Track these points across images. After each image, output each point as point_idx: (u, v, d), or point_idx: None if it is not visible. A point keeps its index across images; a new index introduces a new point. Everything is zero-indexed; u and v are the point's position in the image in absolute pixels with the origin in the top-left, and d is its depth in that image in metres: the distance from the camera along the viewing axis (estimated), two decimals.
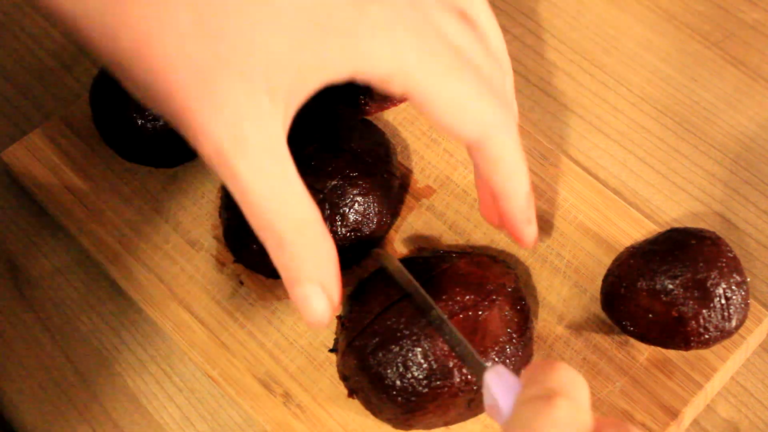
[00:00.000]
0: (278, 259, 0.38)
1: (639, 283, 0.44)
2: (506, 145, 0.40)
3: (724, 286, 0.43)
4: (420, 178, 0.53)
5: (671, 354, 0.46)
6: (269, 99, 0.35)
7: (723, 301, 0.43)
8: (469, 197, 0.52)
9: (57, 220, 0.53)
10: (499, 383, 0.34)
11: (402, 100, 0.53)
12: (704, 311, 0.43)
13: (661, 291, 0.44)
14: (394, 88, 0.37)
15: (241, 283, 0.50)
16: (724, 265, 0.44)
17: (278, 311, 0.49)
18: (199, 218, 0.52)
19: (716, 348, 0.46)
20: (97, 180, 0.53)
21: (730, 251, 0.45)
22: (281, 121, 0.36)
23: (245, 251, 0.49)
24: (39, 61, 0.61)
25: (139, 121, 0.51)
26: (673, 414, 0.45)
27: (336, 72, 0.36)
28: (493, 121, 0.39)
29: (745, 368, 0.48)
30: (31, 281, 0.52)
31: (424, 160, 0.53)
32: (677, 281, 0.43)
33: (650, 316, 0.44)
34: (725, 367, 0.46)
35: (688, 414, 0.46)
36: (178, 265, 0.50)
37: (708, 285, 0.43)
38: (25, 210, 0.55)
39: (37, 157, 0.54)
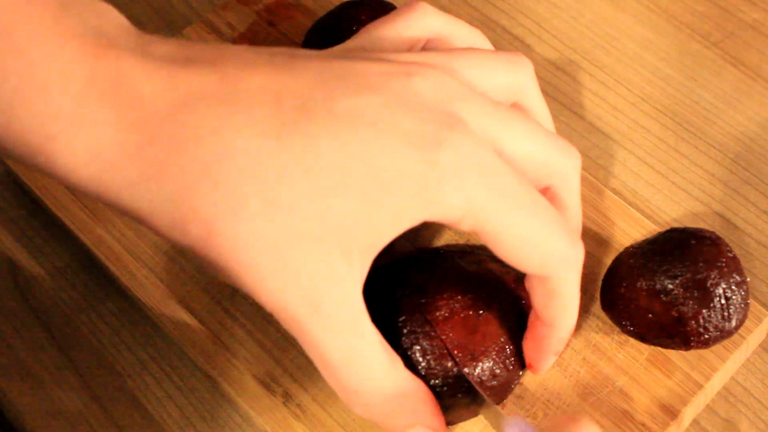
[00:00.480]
0: (371, 417, 0.38)
1: (639, 283, 0.44)
2: (569, 282, 0.40)
3: (724, 286, 0.43)
4: None
5: (671, 354, 0.46)
6: (344, 261, 0.35)
7: (723, 301, 0.43)
8: None
9: (57, 220, 0.53)
10: None
11: None
12: (704, 311, 0.43)
13: (661, 291, 0.44)
14: (463, 226, 0.37)
15: None
16: (724, 265, 0.44)
17: None
18: None
19: (716, 348, 0.46)
20: None
21: (730, 251, 0.45)
22: (357, 280, 0.36)
23: None
24: None
25: None
26: (673, 414, 0.45)
27: (409, 222, 0.36)
28: (562, 260, 0.39)
29: (745, 368, 0.48)
30: (31, 281, 0.52)
31: None
32: (677, 281, 0.44)
33: (650, 316, 0.44)
34: (725, 367, 0.46)
35: (688, 414, 0.46)
36: (178, 265, 0.50)
37: (708, 285, 0.43)
38: (25, 210, 0.55)
39: None
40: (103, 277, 0.52)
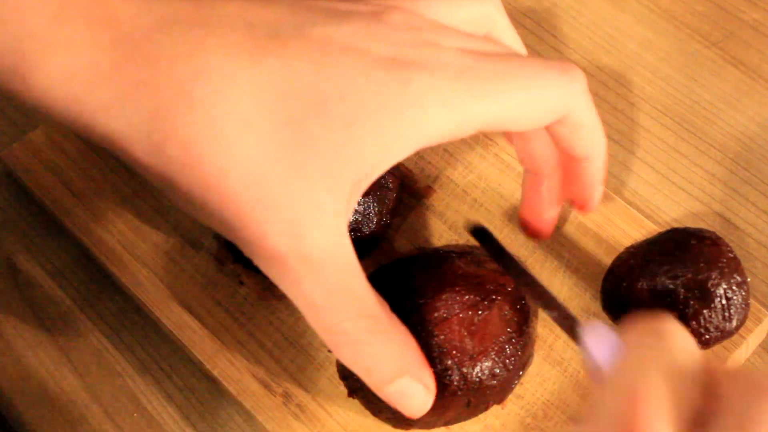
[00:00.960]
0: (357, 363, 0.37)
1: (639, 284, 0.44)
2: (585, 105, 0.40)
3: (725, 286, 0.43)
4: (420, 178, 0.53)
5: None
6: (328, 191, 0.34)
7: (723, 302, 0.43)
8: (468, 197, 0.52)
9: (57, 220, 0.53)
10: (596, 341, 0.33)
11: None
12: (705, 311, 0.43)
13: (662, 291, 0.44)
14: (466, 131, 0.36)
15: (241, 283, 0.50)
16: (724, 265, 0.44)
17: (278, 311, 0.49)
18: None
19: (716, 348, 0.46)
20: (97, 180, 0.53)
21: (731, 251, 0.45)
22: (343, 213, 0.35)
23: None
24: None
25: None
26: None
27: (400, 148, 0.35)
28: (567, 89, 0.38)
29: (745, 368, 0.48)
30: (31, 281, 0.52)
31: (424, 160, 0.53)
32: (678, 281, 0.43)
33: None
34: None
35: None
36: (178, 265, 0.50)
37: (708, 285, 0.43)
38: (25, 210, 0.55)
39: (37, 157, 0.54)
40: (103, 277, 0.52)
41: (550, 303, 0.40)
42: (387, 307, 0.38)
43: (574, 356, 0.46)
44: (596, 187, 0.44)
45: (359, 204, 0.48)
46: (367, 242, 0.49)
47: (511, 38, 0.42)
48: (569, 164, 0.43)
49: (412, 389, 0.38)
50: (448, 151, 0.53)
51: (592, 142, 0.42)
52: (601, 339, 0.33)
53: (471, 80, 0.35)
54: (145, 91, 0.33)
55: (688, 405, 0.28)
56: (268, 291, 0.49)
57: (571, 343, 0.47)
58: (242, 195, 0.33)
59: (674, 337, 0.30)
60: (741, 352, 0.47)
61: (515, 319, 0.44)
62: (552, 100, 0.38)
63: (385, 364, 0.37)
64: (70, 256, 0.53)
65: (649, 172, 0.55)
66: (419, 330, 0.42)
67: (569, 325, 0.38)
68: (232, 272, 0.50)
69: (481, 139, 0.53)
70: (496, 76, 0.36)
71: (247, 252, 0.35)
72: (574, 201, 0.45)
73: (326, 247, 0.34)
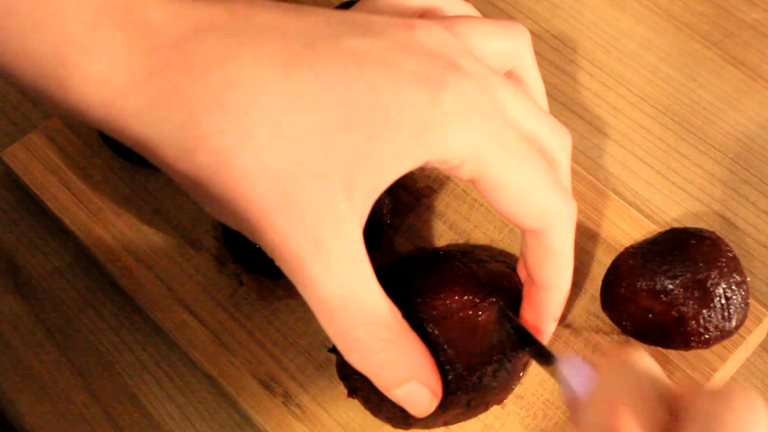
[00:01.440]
0: (366, 367, 0.38)
1: (639, 284, 0.44)
2: (564, 237, 0.40)
3: (724, 286, 0.43)
4: (420, 178, 0.53)
5: (671, 354, 0.46)
6: (346, 199, 0.35)
7: (723, 301, 0.43)
8: (468, 197, 0.52)
9: (57, 220, 0.53)
10: (572, 373, 0.35)
11: None
12: (704, 311, 0.43)
13: (661, 291, 0.44)
14: (462, 173, 0.37)
15: (241, 283, 0.50)
16: (723, 265, 0.44)
17: (278, 311, 0.49)
18: (199, 218, 0.52)
19: (716, 348, 0.46)
20: (97, 180, 0.53)
21: (730, 251, 0.45)
22: (358, 222, 0.36)
23: (245, 251, 0.49)
24: None
25: None
26: None
27: (411, 163, 0.36)
28: (557, 213, 0.39)
29: (745, 368, 0.48)
30: (31, 281, 0.52)
31: None
32: (677, 281, 0.43)
33: (650, 316, 0.44)
34: (725, 367, 0.46)
35: None
36: (178, 265, 0.50)
37: (708, 285, 0.43)
38: (25, 210, 0.55)
39: (37, 157, 0.54)
40: (103, 277, 0.52)
41: (526, 339, 0.41)
42: (399, 314, 0.39)
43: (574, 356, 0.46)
44: (549, 321, 0.43)
45: None
46: (367, 242, 0.49)
47: (534, 78, 0.43)
48: (530, 288, 0.43)
49: (419, 393, 0.39)
50: None
51: (559, 270, 0.41)
52: (576, 371, 0.34)
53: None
54: (178, 97, 0.33)
55: (659, 420, 0.30)
56: (267, 291, 0.49)
57: (572, 344, 0.47)
58: (267, 200, 0.34)
59: (642, 365, 0.32)
60: (741, 352, 0.47)
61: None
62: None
63: (394, 370, 0.38)
64: (70, 256, 0.53)
65: (649, 172, 0.55)
66: (419, 330, 0.42)
67: (545, 360, 0.40)
68: (232, 272, 0.50)
69: None
70: None
71: (270, 254, 0.36)
72: (527, 324, 0.44)
73: (344, 254, 0.35)
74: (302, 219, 0.34)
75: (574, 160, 0.54)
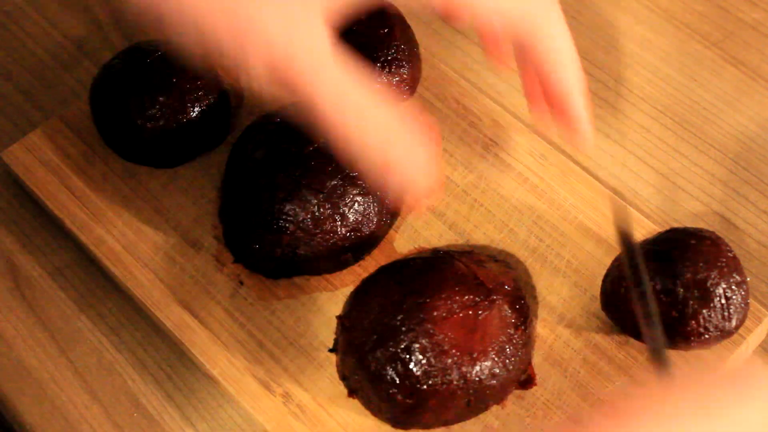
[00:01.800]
0: (364, 154, 0.37)
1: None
2: (552, 21, 0.39)
3: (724, 286, 0.43)
4: None
5: (671, 353, 0.46)
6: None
7: (723, 301, 0.43)
8: (469, 197, 0.52)
9: (57, 220, 0.53)
10: None
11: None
12: (704, 311, 0.43)
13: (661, 291, 0.44)
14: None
15: (241, 283, 0.50)
16: (723, 265, 0.44)
17: (278, 311, 0.49)
18: (199, 218, 0.52)
19: (716, 348, 0.46)
20: (97, 180, 0.53)
21: (730, 251, 0.45)
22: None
23: (245, 251, 0.49)
24: (39, 61, 0.61)
25: (139, 121, 0.51)
26: None
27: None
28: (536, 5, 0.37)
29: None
30: (31, 281, 0.52)
31: None
32: (677, 281, 0.43)
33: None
34: (725, 367, 0.46)
35: None
36: (178, 265, 0.50)
37: (708, 285, 0.43)
38: (25, 210, 0.55)
39: (37, 157, 0.54)
40: (103, 277, 0.52)
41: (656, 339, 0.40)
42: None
43: (574, 356, 0.46)
44: (577, 101, 0.40)
45: (359, 204, 0.48)
46: (367, 242, 0.49)
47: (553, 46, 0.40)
48: (546, 89, 0.41)
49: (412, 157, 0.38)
50: (448, 151, 0.53)
51: (563, 61, 0.39)
52: None
53: None
54: None
55: None
56: (268, 291, 0.49)
57: (572, 344, 0.47)
58: None
59: None
60: (741, 352, 0.47)
61: (515, 319, 0.44)
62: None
63: (380, 140, 0.37)
64: (70, 256, 0.53)
65: (649, 172, 0.55)
66: (419, 329, 0.42)
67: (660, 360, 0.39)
68: (232, 272, 0.50)
69: (482, 139, 0.53)
70: None
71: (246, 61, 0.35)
72: (567, 133, 0.42)
73: (316, 43, 0.35)
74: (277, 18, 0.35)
75: (575, 160, 0.54)
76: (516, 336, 0.44)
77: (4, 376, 0.49)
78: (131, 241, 0.51)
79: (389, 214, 0.50)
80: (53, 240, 0.53)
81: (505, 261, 0.48)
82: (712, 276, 0.43)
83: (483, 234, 0.50)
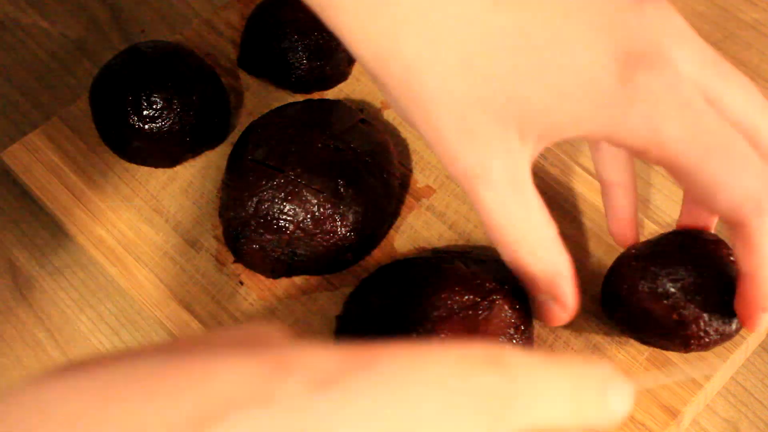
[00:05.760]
0: (517, 272, 0.40)
1: (640, 286, 0.44)
2: (765, 230, 0.38)
3: (725, 289, 0.43)
4: (420, 178, 0.53)
5: (671, 354, 0.46)
6: (519, 139, 0.37)
7: (724, 305, 0.43)
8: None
9: (57, 220, 0.53)
10: None
11: None
12: (705, 315, 0.43)
13: (663, 294, 0.44)
14: (650, 158, 0.37)
15: (241, 283, 0.50)
16: (725, 268, 0.44)
17: (278, 311, 0.49)
18: (199, 218, 0.52)
19: (716, 348, 0.46)
20: (97, 180, 0.53)
21: (731, 254, 0.45)
22: (527, 158, 0.37)
23: (245, 251, 0.49)
24: (39, 61, 0.61)
25: (138, 122, 0.51)
26: (673, 414, 0.45)
27: (589, 132, 0.37)
28: (755, 204, 0.37)
29: (745, 368, 0.48)
30: (31, 281, 0.52)
31: (424, 160, 0.53)
32: (678, 284, 0.43)
33: (650, 318, 0.44)
34: (725, 367, 0.46)
35: (688, 414, 0.46)
36: (178, 265, 0.50)
37: (710, 288, 0.43)
38: (25, 210, 0.55)
39: (37, 157, 0.54)
40: (103, 277, 0.52)
41: None
42: (557, 240, 0.40)
43: (574, 356, 0.46)
44: (758, 312, 0.41)
45: (359, 204, 0.48)
46: (367, 242, 0.49)
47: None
48: (741, 276, 0.41)
49: (550, 306, 0.42)
50: None
51: (761, 263, 0.39)
52: None
53: None
54: (386, 8, 0.35)
55: None
56: (268, 291, 0.49)
57: (572, 344, 0.47)
58: (445, 121, 0.36)
59: None
60: (741, 352, 0.47)
61: (515, 319, 0.44)
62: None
63: (535, 282, 0.40)
64: (70, 256, 0.53)
65: (649, 172, 0.55)
66: (419, 329, 0.42)
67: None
68: (232, 272, 0.50)
69: None
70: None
71: (446, 169, 0.38)
72: (738, 313, 0.42)
73: (508, 179, 0.37)
74: (474, 145, 0.36)
75: (574, 160, 0.54)
76: (516, 336, 0.44)
77: (4, 376, 0.49)
78: (131, 241, 0.51)
79: (389, 214, 0.50)
80: (53, 240, 0.53)
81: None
82: (713, 279, 0.43)
83: (483, 234, 0.50)
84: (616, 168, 0.45)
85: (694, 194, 0.38)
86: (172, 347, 0.25)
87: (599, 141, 0.41)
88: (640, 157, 0.38)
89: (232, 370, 0.24)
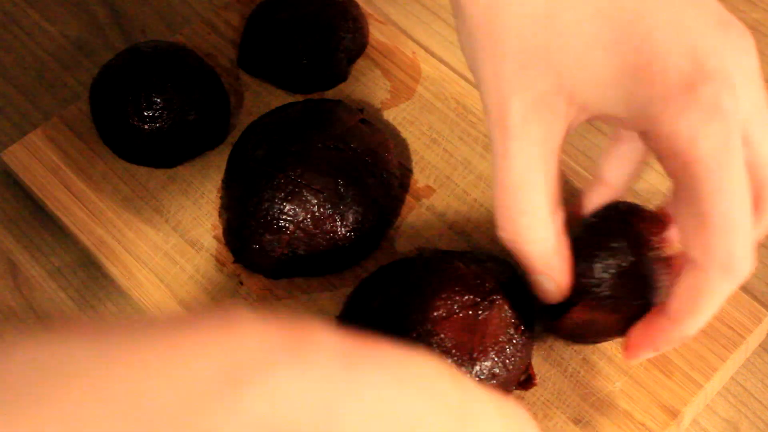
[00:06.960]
0: (512, 250, 0.40)
1: (584, 305, 0.43)
2: (716, 287, 0.38)
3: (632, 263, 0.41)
4: (420, 178, 0.53)
5: (671, 354, 0.46)
6: (566, 102, 0.37)
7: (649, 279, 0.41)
8: (469, 197, 0.52)
9: (57, 220, 0.53)
10: None
11: None
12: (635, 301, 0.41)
13: (597, 302, 0.42)
14: (668, 165, 0.37)
15: (241, 283, 0.50)
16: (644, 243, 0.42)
17: (278, 311, 0.49)
18: (199, 218, 0.52)
19: (716, 348, 0.46)
20: (97, 180, 0.53)
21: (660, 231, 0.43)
22: (565, 126, 0.38)
23: (245, 251, 0.49)
24: (39, 61, 0.61)
25: (139, 122, 0.51)
26: (673, 414, 0.45)
27: (634, 117, 0.37)
28: (720, 261, 0.37)
29: (745, 368, 0.48)
30: (31, 281, 0.52)
31: (424, 160, 0.53)
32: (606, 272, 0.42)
33: (599, 326, 0.43)
34: (725, 367, 0.46)
35: (688, 414, 0.46)
36: (178, 265, 0.50)
37: (630, 273, 0.41)
38: (25, 210, 0.55)
39: (37, 157, 0.54)
40: (103, 277, 0.52)
41: None
42: (557, 223, 0.40)
43: (574, 356, 0.46)
44: (652, 350, 0.41)
45: (359, 204, 0.48)
46: (367, 242, 0.49)
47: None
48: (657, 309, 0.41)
49: (545, 284, 0.41)
50: (447, 151, 0.53)
51: (695, 312, 0.39)
52: None
53: None
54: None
55: None
56: (268, 291, 0.49)
57: (571, 343, 0.47)
58: (507, 63, 0.37)
59: None
60: (741, 352, 0.47)
61: (515, 319, 0.44)
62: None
63: (530, 262, 0.40)
64: (70, 256, 0.53)
65: (649, 172, 0.55)
66: (419, 329, 0.42)
67: None
68: (232, 272, 0.50)
69: (482, 139, 0.53)
70: None
71: (483, 99, 0.38)
72: (629, 338, 0.42)
73: (542, 137, 0.38)
74: (524, 95, 0.37)
75: (574, 160, 0.54)
76: (516, 336, 0.44)
77: None
78: (131, 241, 0.51)
79: (389, 214, 0.50)
80: (53, 240, 0.53)
81: (505, 261, 0.48)
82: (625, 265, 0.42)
83: (483, 234, 0.50)
84: (619, 171, 0.45)
85: (683, 202, 0.37)
86: (183, 316, 0.26)
87: (629, 131, 0.40)
88: (660, 160, 0.37)
89: (259, 332, 0.25)
